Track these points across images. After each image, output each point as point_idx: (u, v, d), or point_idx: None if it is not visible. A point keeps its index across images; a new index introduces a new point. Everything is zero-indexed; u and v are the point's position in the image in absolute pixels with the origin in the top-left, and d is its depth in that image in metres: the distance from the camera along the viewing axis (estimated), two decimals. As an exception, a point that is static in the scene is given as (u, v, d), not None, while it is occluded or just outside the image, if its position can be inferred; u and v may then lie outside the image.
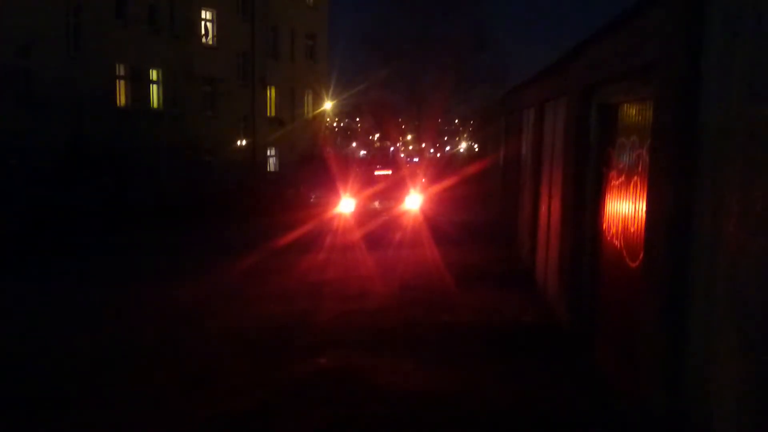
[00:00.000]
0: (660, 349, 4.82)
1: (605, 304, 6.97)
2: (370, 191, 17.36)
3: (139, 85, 28.26)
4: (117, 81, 27.33)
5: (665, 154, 4.67)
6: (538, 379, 6.68)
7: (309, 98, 40.88)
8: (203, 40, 32.30)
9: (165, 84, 29.69)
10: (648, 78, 5.37)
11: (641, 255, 5.58)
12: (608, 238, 6.79)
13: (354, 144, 78.90)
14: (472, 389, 6.44)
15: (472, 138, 59.55)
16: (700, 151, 4.24)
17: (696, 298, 4.35)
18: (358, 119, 77.31)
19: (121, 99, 27.64)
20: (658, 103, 4.88)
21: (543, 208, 10.51)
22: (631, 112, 6.27)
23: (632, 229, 5.95)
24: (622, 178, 6.35)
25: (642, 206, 5.65)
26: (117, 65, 27.11)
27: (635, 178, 5.92)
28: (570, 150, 8.05)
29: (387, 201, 17.24)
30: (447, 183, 21.53)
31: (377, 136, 75.91)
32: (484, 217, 19.09)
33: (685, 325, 4.49)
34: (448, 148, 75.09)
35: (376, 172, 20.11)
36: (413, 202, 17.34)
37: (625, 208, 6.22)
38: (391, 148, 73.09)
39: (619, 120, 6.67)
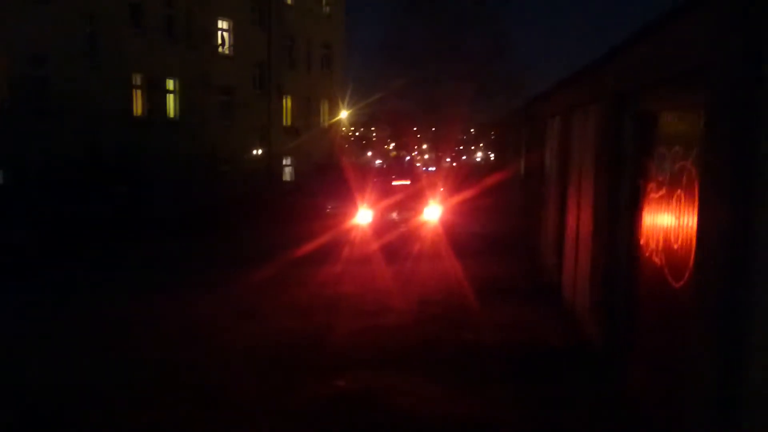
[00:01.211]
0: (711, 381, 4.38)
1: (642, 325, 6.52)
2: (387, 202, 16.98)
3: (155, 95, 28.22)
4: (133, 91, 27.29)
5: (720, 166, 4.25)
6: (567, 406, 6.26)
7: (325, 107, 40.74)
8: (220, 49, 32.25)
9: (181, 94, 29.64)
10: (694, 83, 4.95)
11: (687, 275, 5.15)
12: (646, 255, 6.35)
13: (370, 153, 78.73)
14: (497, 416, 6.03)
15: (490, 147, 59.13)
16: (762, 162, 3.82)
17: (756, 325, 3.91)
18: (374, 128, 77.13)
19: (138, 109, 27.59)
20: (711, 111, 4.46)
21: (570, 221, 10.07)
22: (672, 120, 5.84)
23: (675, 246, 5.51)
24: (663, 191, 5.91)
25: (687, 221, 5.21)
26: (133, 75, 27.07)
27: (678, 191, 5.48)
28: (602, 160, 7.62)
29: (405, 212, 16.86)
30: (466, 193, 21.10)
31: (393, 145, 75.73)
32: (505, 229, 18.62)
33: (743, 356, 4.05)
34: (464, 157, 74.69)
35: (394, 182, 19.73)
36: (432, 213, 16.95)
37: (666, 223, 5.78)
38: (407, 158, 72.79)
39: (658, 129, 6.24)
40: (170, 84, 29.32)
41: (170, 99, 29.48)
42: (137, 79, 27.33)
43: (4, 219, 13.60)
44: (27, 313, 10.35)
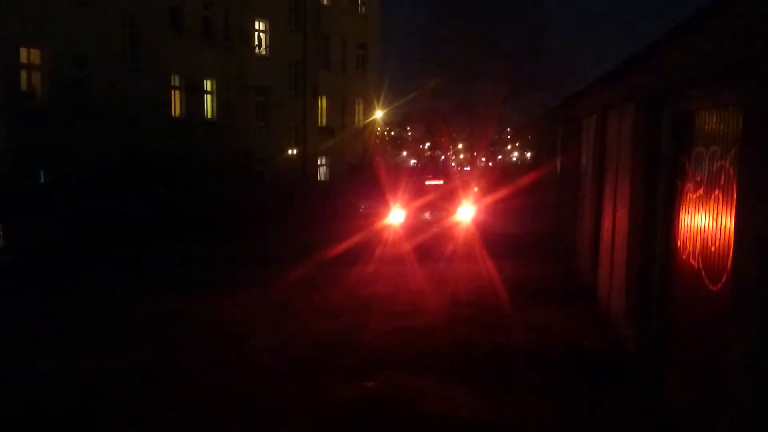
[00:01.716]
0: (748, 387, 4.25)
1: (678, 329, 6.36)
2: (420, 202, 16.90)
3: (193, 96, 28.63)
4: (172, 91, 27.71)
5: (758, 166, 4.12)
6: (601, 412, 6.14)
7: (360, 107, 40.85)
8: (256, 50, 32.58)
9: (219, 94, 30.02)
10: (733, 81, 4.81)
11: (725, 277, 5.01)
12: (683, 257, 6.19)
13: (404, 153, 78.66)
14: (528, 422, 5.94)
15: (526, 147, 58.60)
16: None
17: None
18: (408, 128, 77.04)
19: (176, 109, 28.02)
20: (750, 109, 4.33)
21: (606, 222, 9.90)
22: (710, 119, 5.68)
23: (713, 249, 5.37)
24: (700, 192, 5.77)
25: (725, 223, 5.07)
26: (172, 76, 27.50)
27: (716, 191, 5.34)
28: (638, 160, 7.47)
29: (438, 212, 16.75)
30: (500, 194, 20.91)
31: (428, 145, 75.48)
32: (539, 230, 18.42)
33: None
34: (500, 157, 74.08)
35: (427, 182, 19.65)
36: (465, 213, 16.80)
37: (703, 224, 5.64)
38: (442, 158, 72.46)
39: (695, 128, 6.09)
40: (208, 85, 29.73)
41: (208, 100, 29.89)
42: (176, 80, 27.76)
43: (45, 218, 13.91)
44: (60, 311, 10.51)
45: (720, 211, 5.22)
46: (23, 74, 21.15)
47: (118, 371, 7.41)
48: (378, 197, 19.15)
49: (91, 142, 22.00)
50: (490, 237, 16.81)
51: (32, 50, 21.23)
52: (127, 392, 6.78)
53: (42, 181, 21.02)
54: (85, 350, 8.25)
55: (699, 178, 5.84)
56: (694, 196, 5.94)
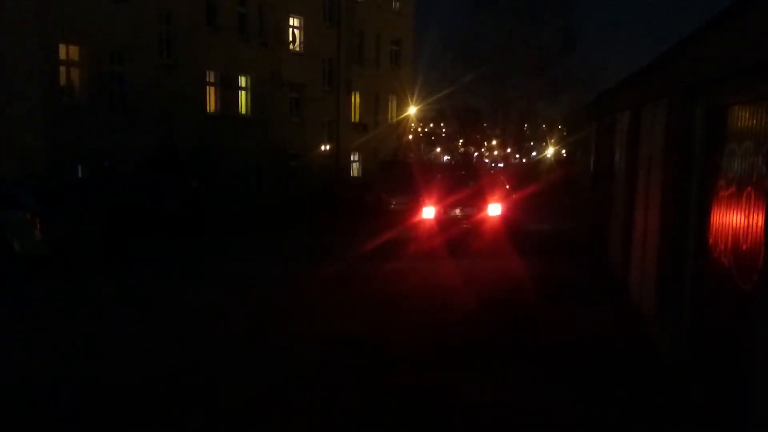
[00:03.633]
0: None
1: (710, 327, 6.25)
2: (451, 198, 16.84)
3: (228, 92, 28.98)
4: (207, 87, 28.09)
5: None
6: (629, 410, 6.06)
7: (393, 103, 40.89)
8: (291, 46, 32.83)
9: (253, 90, 30.34)
10: (766, 76, 4.70)
11: (755, 276, 4.90)
12: (715, 255, 6.08)
13: (438, 149, 78.44)
14: (554, 420, 5.89)
15: (560, 143, 57.98)
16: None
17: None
18: (442, 124, 76.76)
19: (211, 105, 28.42)
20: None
21: (638, 220, 9.76)
22: (743, 114, 5.56)
23: (744, 247, 5.26)
24: (733, 189, 5.65)
25: (757, 221, 4.96)
26: (207, 72, 27.88)
27: (748, 188, 5.23)
28: (670, 157, 7.35)
29: (469, 208, 16.68)
30: (532, 190, 20.73)
31: (461, 141, 75.13)
32: (571, 227, 18.23)
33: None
34: (534, 153, 73.43)
35: (459, 179, 19.59)
36: (496, 209, 16.70)
37: (735, 222, 5.52)
38: (475, 154, 72.13)
39: (728, 124, 5.96)
40: (242, 81, 30.06)
41: (242, 96, 30.23)
42: (211, 77, 28.15)
43: (82, 212, 14.22)
44: (93, 303, 10.73)
45: (752, 209, 5.11)
46: (62, 70, 21.66)
47: (137, 362, 7.58)
48: (410, 194, 19.18)
49: (128, 137, 22.44)
50: (521, 234, 16.70)
51: (71, 47, 21.74)
52: (143, 387, 6.92)
53: (79, 175, 21.49)
54: (117, 338, 8.47)
55: (731, 176, 5.72)
56: (726, 194, 5.83)
